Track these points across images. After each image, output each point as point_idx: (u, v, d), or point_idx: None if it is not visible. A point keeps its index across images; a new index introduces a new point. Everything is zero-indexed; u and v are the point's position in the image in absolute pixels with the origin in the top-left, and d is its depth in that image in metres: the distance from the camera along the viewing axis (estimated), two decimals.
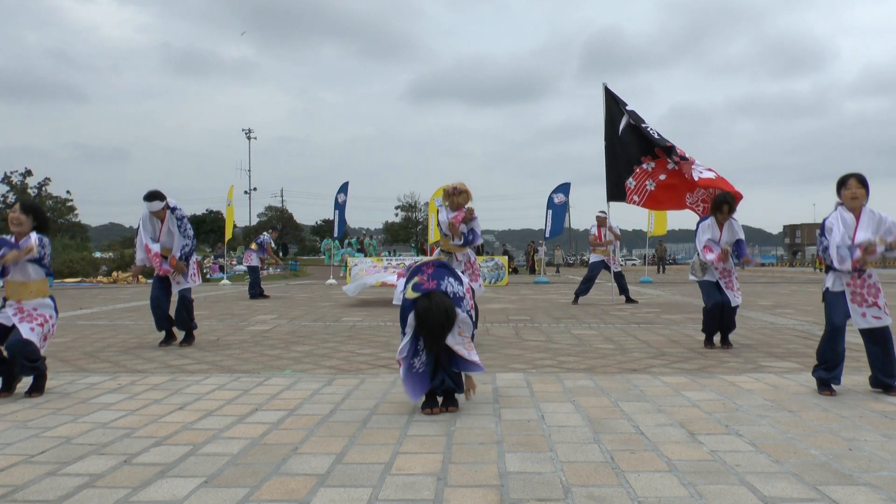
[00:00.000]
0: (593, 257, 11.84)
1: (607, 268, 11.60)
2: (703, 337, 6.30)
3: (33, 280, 4.23)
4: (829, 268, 4.17)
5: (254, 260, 14.02)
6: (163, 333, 6.56)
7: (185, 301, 6.45)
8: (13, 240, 4.16)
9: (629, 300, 11.49)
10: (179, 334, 6.64)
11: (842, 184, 4.10)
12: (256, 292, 13.43)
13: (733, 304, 5.97)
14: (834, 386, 4.14)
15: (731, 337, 6.73)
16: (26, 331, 4.10)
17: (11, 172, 55.99)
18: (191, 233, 6.40)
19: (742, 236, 6.09)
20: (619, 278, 11.60)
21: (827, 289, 4.17)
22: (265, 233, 15.01)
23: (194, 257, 6.50)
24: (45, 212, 4.41)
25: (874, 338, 4.08)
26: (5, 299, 4.22)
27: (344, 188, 19.99)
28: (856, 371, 4.79)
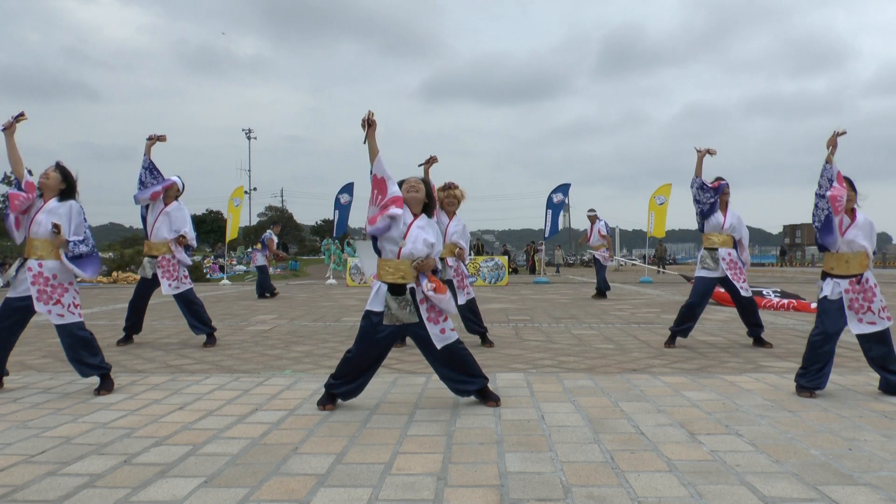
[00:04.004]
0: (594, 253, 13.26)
1: (596, 261, 12.92)
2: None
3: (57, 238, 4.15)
4: (826, 275, 4.13)
5: (259, 259, 13.98)
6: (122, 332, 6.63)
7: (190, 305, 6.43)
8: (34, 194, 4.25)
9: (598, 295, 12.53)
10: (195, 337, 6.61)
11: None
12: (265, 291, 13.33)
13: (744, 295, 5.92)
14: (827, 387, 4.11)
15: (731, 337, 6.73)
16: (42, 310, 4.07)
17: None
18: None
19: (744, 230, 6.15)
20: (601, 274, 12.76)
21: (825, 297, 4.09)
22: (268, 230, 14.99)
23: (175, 259, 6.39)
24: (75, 180, 4.39)
25: (874, 338, 4.04)
26: (25, 259, 4.16)
27: (348, 189, 19.73)
28: (856, 371, 4.79)
